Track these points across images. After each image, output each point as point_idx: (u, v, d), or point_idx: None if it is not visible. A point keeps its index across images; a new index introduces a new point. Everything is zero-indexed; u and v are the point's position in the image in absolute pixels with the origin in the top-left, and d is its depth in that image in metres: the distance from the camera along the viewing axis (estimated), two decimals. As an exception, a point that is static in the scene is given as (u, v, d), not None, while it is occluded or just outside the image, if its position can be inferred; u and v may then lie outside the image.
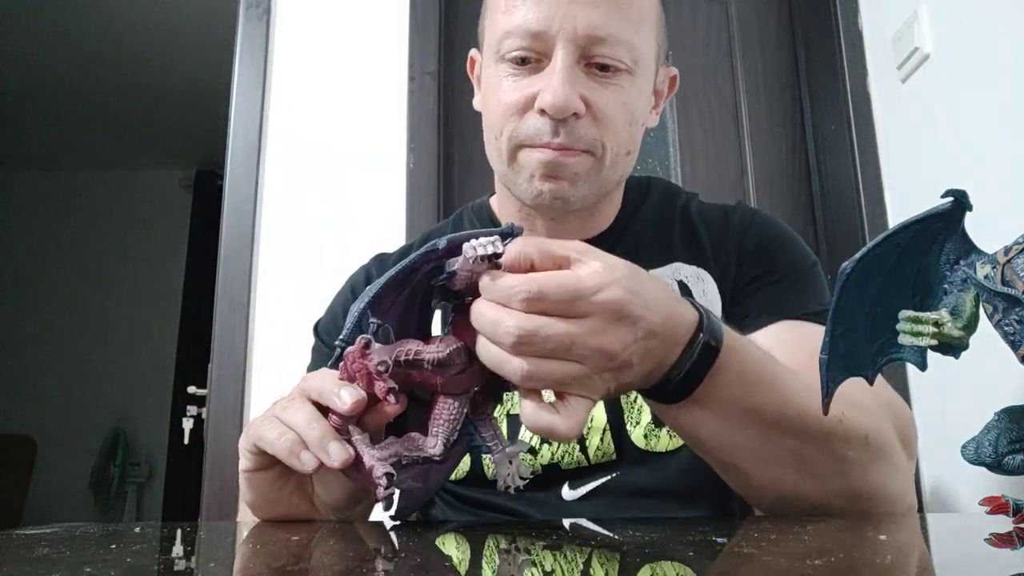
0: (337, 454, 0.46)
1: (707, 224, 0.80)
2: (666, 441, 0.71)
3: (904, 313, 0.40)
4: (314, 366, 0.79)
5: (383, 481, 0.45)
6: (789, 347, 0.65)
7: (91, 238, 4.16)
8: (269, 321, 1.56)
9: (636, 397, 0.71)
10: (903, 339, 0.40)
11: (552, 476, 0.72)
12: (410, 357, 0.45)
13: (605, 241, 0.78)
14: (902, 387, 1.46)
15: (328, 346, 0.79)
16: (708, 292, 0.75)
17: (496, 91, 0.71)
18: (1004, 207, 1.09)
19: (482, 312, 0.44)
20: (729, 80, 1.79)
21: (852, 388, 0.47)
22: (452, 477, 0.73)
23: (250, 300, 1.57)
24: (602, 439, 0.71)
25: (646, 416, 0.71)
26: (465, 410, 0.48)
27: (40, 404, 3.93)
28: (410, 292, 0.48)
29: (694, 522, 0.55)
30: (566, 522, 0.59)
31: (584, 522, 0.58)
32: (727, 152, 1.75)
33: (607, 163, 0.70)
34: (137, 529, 0.53)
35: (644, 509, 0.70)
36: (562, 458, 0.71)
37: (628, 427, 0.71)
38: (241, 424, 1.49)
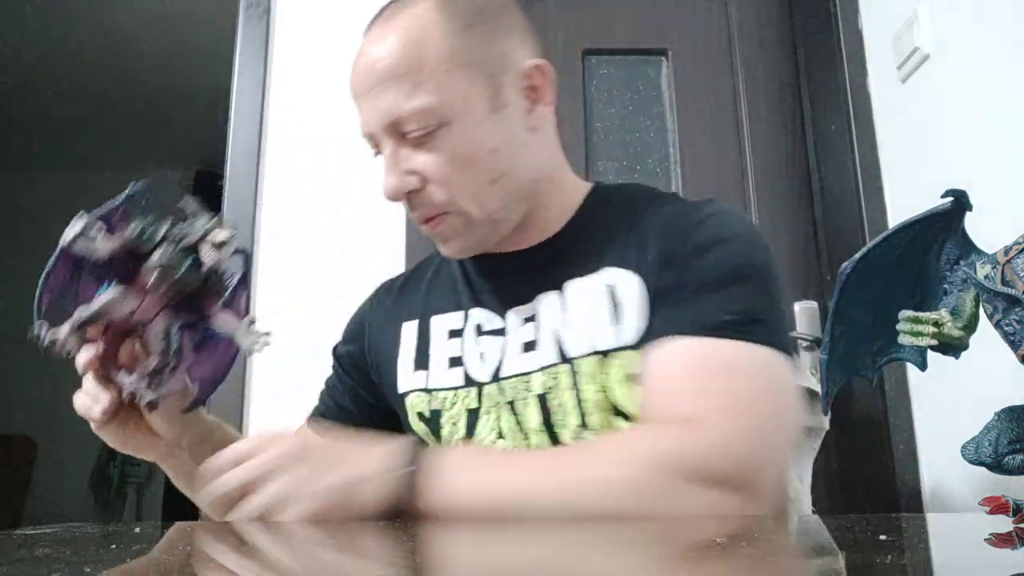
0: (96, 393, 0.74)
1: (651, 224, 0.76)
2: None
3: (904, 313, 0.40)
4: (335, 382, 0.91)
5: (139, 395, 0.66)
6: (669, 369, 0.66)
7: (91, 238, 4.15)
8: (269, 321, 1.56)
9: (563, 401, 0.71)
10: (903, 339, 0.40)
11: None
12: (84, 316, 0.64)
13: (544, 250, 0.80)
14: (902, 387, 1.46)
15: (342, 366, 0.91)
16: (634, 298, 0.71)
17: None
18: (1004, 207, 1.09)
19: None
20: (729, 80, 1.79)
21: (599, 464, 0.61)
22: None
23: (250, 300, 1.57)
24: (542, 440, 0.72)
25: (572, 419, 0.71)
26: (168, 323, 0.66)
27: (40, 404, 3.93)
28: (70, 275, 0.66)
29: (694, 522, 0.55)
30: (564, 522, 0.59)
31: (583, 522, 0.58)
32: (727, 152, 1.75)
33: (471, 209, 0.73)
34: (137, 529, 0.53)
35: None
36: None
37: (557, 429, 0.72)
38: (241, 425, 1.49)
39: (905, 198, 1.50)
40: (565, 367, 0.72)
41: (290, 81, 1.68)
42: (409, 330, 0.84)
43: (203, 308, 0.67)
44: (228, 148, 1.64)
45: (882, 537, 0.43)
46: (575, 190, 0.83)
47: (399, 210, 1.59)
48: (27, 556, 0.40)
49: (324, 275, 1.57)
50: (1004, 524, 0.40)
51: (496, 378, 0.76)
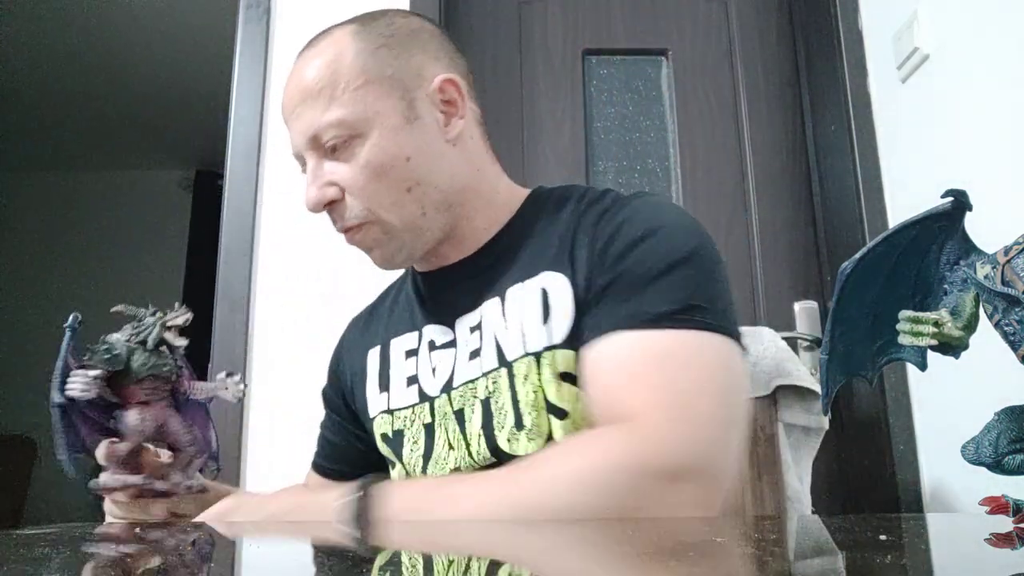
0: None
1: (582, 224, 0.76)
2: (525, 444, 0.71)
3: (904, 313, 0.40)
4: (327, 420, 0.96)
5: (194, 487, 0.74)
6: (610, 366, 0.66)
7: (91, 238, 4.16)
8: (269, 321, 1.56)
9: (503, 403, 0.72)
10: (903, 339, 0.40)
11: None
12: (123, 452, 0.70)
13: (482, 259, 0.81)
14: (902, 387, 1.46)
15: (329, 406, 0.95)
16: (563, 299, 0.72)
17: None
18: (1004, 207, 1.09)
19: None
20: (729, 80, 1.79)
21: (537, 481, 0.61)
22: None
23: (250, 300, 1.57)
24: (480, 444, 0.74)
25: (509, 420, 0.72)
26: (179, 415, 0.74)
27: (40, 404, 3.91)
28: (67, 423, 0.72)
29: (694, 522, 0.55)
30: (562, 522, 0.59)
31: (583, 521, 0.58)
32: (727, 152, 1.75)
33: (389, 218, 0.76)
34: (137, 529, 0.53)
35: None
36: (458, 465, 0.76)
37: (496, 431, 0.73)
38: (241, 425, 1.49)
39: (905, 198, 1.50)
40: (503, 370, 0.73)
41: (290, 81, 1.68)
42: (373, 356, 0.88)
43: (184, 388, 0.75)
44: (228, 148, 1.64)
45: (882, 537, 0.43)
46: (510, 198, 0.85)
47: (399, 210, 1.60)
48: (27, 556, 0.40)
49: (324, 275, 1.57)
50: (1004, 524, 0.40)
51: (448, 389, 0.78)
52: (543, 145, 1.76)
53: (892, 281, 0.42)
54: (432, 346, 0.82)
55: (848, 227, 1.60)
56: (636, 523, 0.55)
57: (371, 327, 0.92)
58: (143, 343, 0.70)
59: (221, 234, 1.62)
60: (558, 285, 0.73)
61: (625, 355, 0.65)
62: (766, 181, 1.74)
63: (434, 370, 0.81)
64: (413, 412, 0.81)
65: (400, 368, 0.84)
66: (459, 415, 0.76)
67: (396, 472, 0.83)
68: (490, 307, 0.78)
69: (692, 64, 1.80)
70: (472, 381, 0.76)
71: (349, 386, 0.91)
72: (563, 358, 0.71)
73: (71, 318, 0.72)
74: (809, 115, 1.77)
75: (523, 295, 0.75)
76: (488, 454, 0.73)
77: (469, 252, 0.82)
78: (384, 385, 0.85)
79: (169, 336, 0.71)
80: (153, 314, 0.72)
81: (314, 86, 0.76)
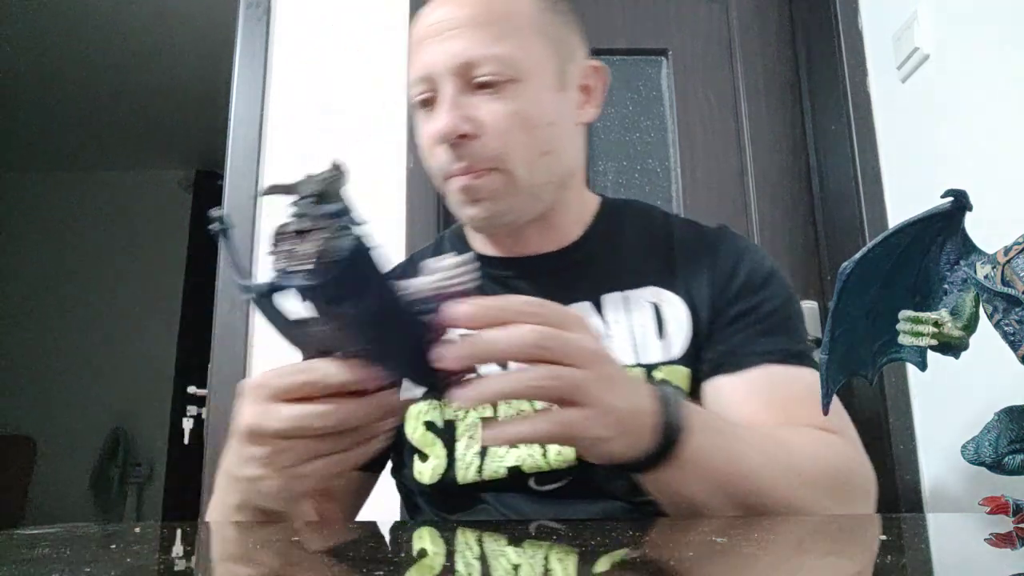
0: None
1: (682, 247, 0.80)
2: None
3: (904, 313, 0.40)
4: None
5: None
6: (766, 395, 0.71)
7: (91, 238, 4.16)
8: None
9: None
10: (903, 339, 0.40)
11: (518, 479, 0.73)
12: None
13: (571, 256, 0.80)
14: (902, 387, 1.46)
15: None
16: (679, 317, 0.75)
17: (417, 136, 0.79)
18: (1004, 207, 1.09)
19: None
20: (729, 80, 1.79)
21: (804, 455, 0.61)
22: (428, 481, 0.75)
23: (250, 300, 1.57)
24: (561, 447, 0.70)
25: None
26: None
27: (40, 404, 3.93)
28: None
29: (694, 522, 0.55)
30: (560, 522, 0.59)
31: (580, 522, 0.58)
32: (727, 152, 1.75)
33: (519, 173, 0.73)
34: (137, 529, 0.53)
35: (603, 509, 0.70)
36: (524, 462, 0.72)
37: None
38: (241, 424, 1.49)
39: (905, 198, 1.50)
40: None
41: (290, 81, 1.68)
42: None
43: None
44: (228, 148, 1.64)
45: (882, 537, 0.43)
46: (589, 200, 0.86)
47: (399, 210, 1.60)
48: (27, 556, 0.40)
49: (324, 275, 1.57)
50: (1004, 524, 0.40)
51: None
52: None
53: (892, 281, 0.42)
54: None
55: (848, 227, 1.60)
56: (636, 523, 0.55)
57: None
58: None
59: (221, 234, 1.61)
60: (673, 304, 0.76)
61: (798, 387, 0.71)
62: (766, 181, 1.74)
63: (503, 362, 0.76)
64: None
65: None
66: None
67: (427, 466, 0.75)
68: (581, 310, 0.76)
69: (692, 64, 1.80)
70: None
71: None
72: (679, 374, 0.73)
73: (218, 220, 0.49)
74: (809, 115, 1.77)
75: (628, 305, 0.76)
76: (572, 458, 0.70)
77: (554, 246, 0.80)
78: None
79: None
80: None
81: (481, 15, 0.72)
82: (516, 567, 0.38)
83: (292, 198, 0.45)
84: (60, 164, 4.16)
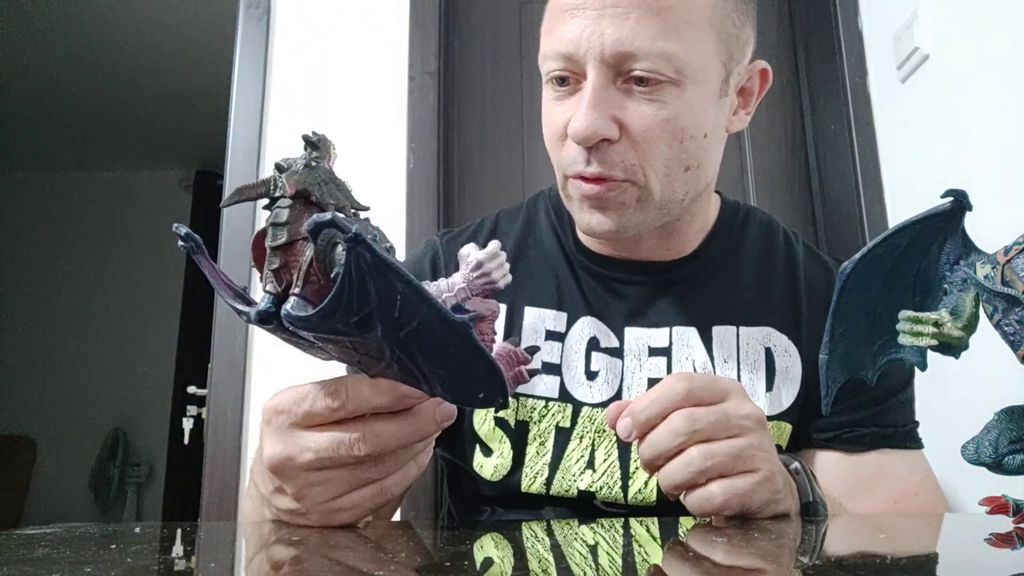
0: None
1: (810, 284, 0.73)
2: None
3: (904, 313, 0.40)
4: None
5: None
6: (879, 486, 0.69)
7: (91, 238, 4.16)
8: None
9: None
10: (903, 339, 0.40)
11: (585, 501, 0.68)
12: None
13: (685, 268, 0.72)
14: (902, 387, 1.46)
15: None
16: (791, 370, 0.69)
17: (545, 114, 0.69)
18: (1004, 207, 1.09)
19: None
20: (729, 80, 1.79)
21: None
22: (489, 478, 0.71)
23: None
24: (646, 483, 0.66)
25: None
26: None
27: (40, 404, 3.93)
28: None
29: (693, 522, 0.55)
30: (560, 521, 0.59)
31: (580, 522, 0.58)
32: (727, 152, 1.74)
33: (654, 188, 0.64)
34: (137, 529, 0.53)
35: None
36: (600, 490, 0.67)
37: None
38: (241, 424, 1.49)
39: (905, 198, 1.50)
40: None
41: (290, 81, 1.68)
42: None
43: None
44: (228, 148, 1.64)
45: (882, 536, 0.43)
46: (712, 204, 0.77)
47: (399, 210, 1.60)
48: (27, 556, 0.40)
49: (324, 275, 1.57)
50: (1004, 524, 0.40)
51: None
52: (544, 145, 1.76)
53: (892, 281, 0.42)
54: (595, 345, 0.70)
55: (848, 227, 1.60)
56: (635, 523, 0.55)
57: None
58: (356, 206, 0.41)
59: (221, 234, 1.62)
60: (788, 353, 0.70)
61: (899, 478, 0.69)
62: (766, 180, 1.74)
63: (593, 373, 0.69)
64: (547, 407, 0.69)
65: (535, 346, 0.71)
66: (619, 440, 0.65)
67: (490, 461, 0.69)
68: (687, 337, 0.69)
69: (692, 64, 1.80)
70: None
71: None
72: (782, 431, 0.68)
73: (183, 233, 0.39)
74: (809, 115, 1.77)
75: (741, 345, 0.69)
76: (652, 497, 0.65)
77: (671, 255, 0.73)
78: None
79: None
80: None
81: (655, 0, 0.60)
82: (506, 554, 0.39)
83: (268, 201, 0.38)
84: (60, 164, 4.16)
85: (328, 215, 0.35)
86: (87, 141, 3.96)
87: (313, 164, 0.39)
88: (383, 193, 1.60)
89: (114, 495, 3.88)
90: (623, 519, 0.55)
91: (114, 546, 0.45)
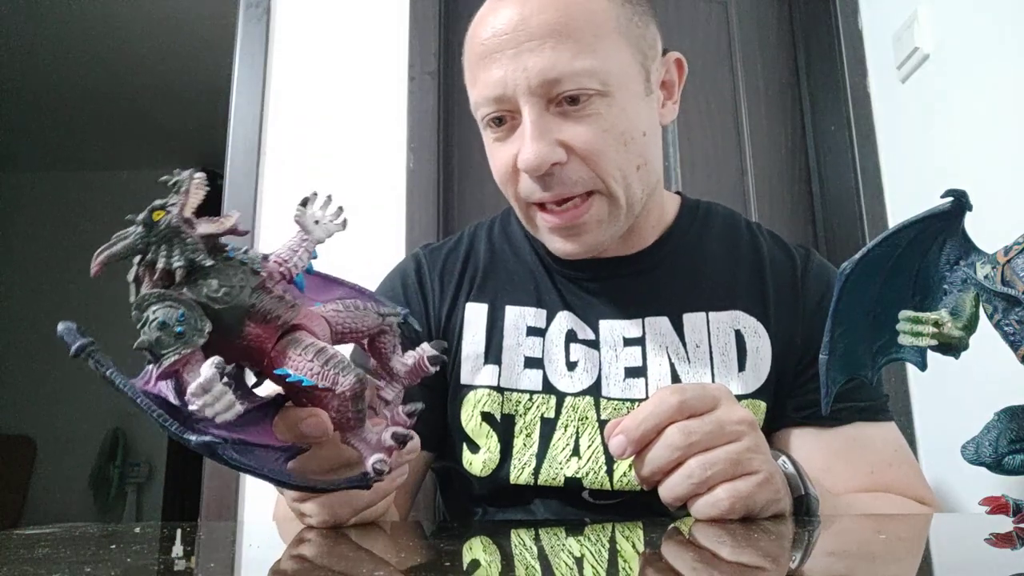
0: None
1: (775, 270, 0.75)
2: None
3: (904, 313, 0.40)
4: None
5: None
6: (857, 458, 0.70)
7: (91, 238, 4.14)
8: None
9: None
10: (903, 339, 0.40)
11: (573, 490, 0.70)
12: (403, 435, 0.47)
13: (649, 259, 0.75)
14: (902, 387, 1.46)
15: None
16: (761, 350, 0.72)
17: (491, 157, 0.72)
18: (1004, 207, 1.09)
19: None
20: (729, 80, 1.79)
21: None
22: (478, 473, 0.72)
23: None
24: (630, 466, 0.66)
25: None
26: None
27: (40, 404, 3.93)
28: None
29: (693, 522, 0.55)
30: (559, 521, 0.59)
31: (582, 521, 0.58)
32: (727, 152, 1.75)
33: (617, 192, 0.67)
34: (137, 529, 0.53)
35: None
36: (586, 476, 0.69)
37: None
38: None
39: (905, 198, 1.50)
40: None
41: (290, 81, 1.68)
42: (477, 313, 0.75)
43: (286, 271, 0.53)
44: (228, 147, 1.64)
45: (882, 536, 0.43)
46: (668, 199, 0.80)
47: (399, 210, 1.60)
48: (27, 556, 0.40)
49: (324, 275, 1.57)
50: (1004, 524, 0.40)
51: (595, 394, 0.71)
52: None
53: (892, 281, 0.42)
54: (572, 337, 0.73)
55: (848, 227, 1.60)
56: (636, 523, 0.55)
57: (467, 273, 0.78)
58: (191, 263, 0.42)
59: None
60: (758, 333, 0.72)
61: (877, 449, 0.71)
62: (766, 181, 1.74)
63: (572, 364, 0.72)
64: (532, 400, 0.71)
65: (517, 343, 0.73)
66: (603, 427, 0.69)
67: (478, 457, 0.72)
68: (659, 326, 0.72)
69: (691, 64, 1.79)
70: (632, 401, 0.70)
71: (439, 317, 0.76)
72: (757, 409, 0.70)
73: (75, 345, 0.42)
74: (809, 115, 1.77)
75: (711, 330, 0.72)
76: (636, 483, 0.66)
77: (632, 249, 0.75)
78: (494, 357, 0.73)
79: (196, 228, 0.42)
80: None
81: (560, 25, 0.63)
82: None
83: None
84: (60, 164, 4.16)
85: (73, 348, 0.41)
86: (87, 141, 3.96)
87: (145, 241, 0.42)
88: (383, 193, 1.60)
89: (114, 495, 3.88)
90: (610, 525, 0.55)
91: (114, 546, 0.45)
